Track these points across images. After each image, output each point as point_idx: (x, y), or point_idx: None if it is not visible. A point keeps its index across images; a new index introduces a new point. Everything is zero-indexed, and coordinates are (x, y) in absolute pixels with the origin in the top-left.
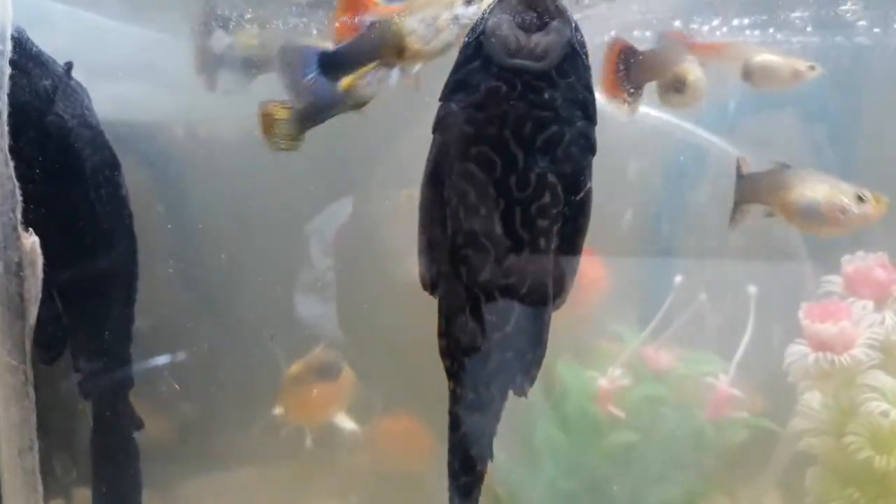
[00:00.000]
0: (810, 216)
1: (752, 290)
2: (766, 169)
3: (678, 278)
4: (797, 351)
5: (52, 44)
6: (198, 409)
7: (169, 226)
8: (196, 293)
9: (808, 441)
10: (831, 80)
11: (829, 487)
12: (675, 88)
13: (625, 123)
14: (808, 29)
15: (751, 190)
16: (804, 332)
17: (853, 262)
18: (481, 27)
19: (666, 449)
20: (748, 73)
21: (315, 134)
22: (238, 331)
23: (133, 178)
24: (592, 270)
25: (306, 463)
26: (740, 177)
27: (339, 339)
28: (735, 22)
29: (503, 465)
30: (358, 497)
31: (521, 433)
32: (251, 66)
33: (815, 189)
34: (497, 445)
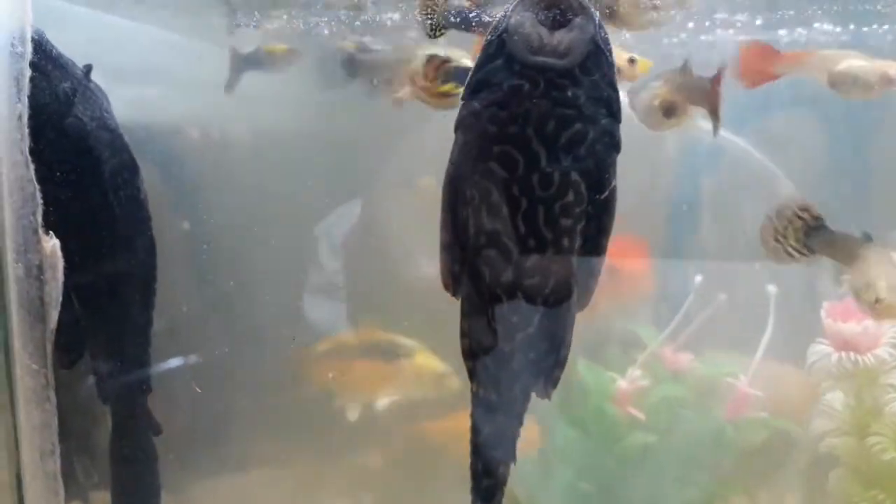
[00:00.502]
0: None
1: (771, 289)
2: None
3: (699, 278)
4: (819, 350)
5: (71, 46)
6: (211, 412)
7: (184, 226)
8: (209, 295)
9: (830, 442)
10: None
11: (853, 489)
12: None
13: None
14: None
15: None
16: (826, 332)
17: None
18: (504, 25)
19: (684, 450)
20: (833, 83)
21: (326, 134)
22: (252, 333)
23: (149, 180)
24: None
25: (316, 464)
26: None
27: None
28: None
29: (521, 465)
30: (370, 496)
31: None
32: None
33: None
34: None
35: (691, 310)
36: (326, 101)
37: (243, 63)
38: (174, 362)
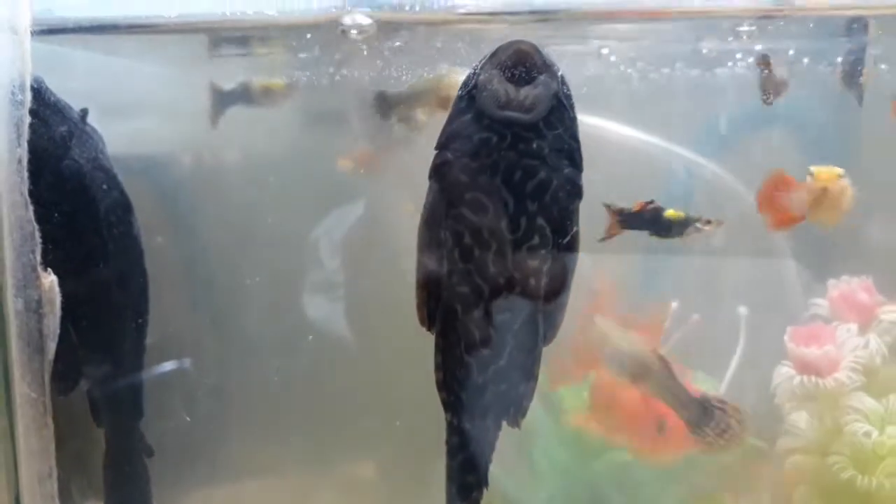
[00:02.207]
0: None
1: (742, 311)
2: None
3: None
4: (784, 373)
5: (69, 86)
6: (205, 421)
7: (181, 248)
8: (206, 311)
9: (794, 460)
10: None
11: None
12: None
13: (621, 148)
14: None
15: None
16: (789, 355)
17: (838, 287)
18: (473, 81)
19: (659, 466)
20: None
21: (316, 156)
22: (248, 346)
23: (148, 205)
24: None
25: (311, 474)
26: None
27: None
28: None
29: (503, 480)
30: None
31: (521, 450)
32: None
33: None
34: (498, 461)
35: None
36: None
37: (225, 99)
38: (169, 372)
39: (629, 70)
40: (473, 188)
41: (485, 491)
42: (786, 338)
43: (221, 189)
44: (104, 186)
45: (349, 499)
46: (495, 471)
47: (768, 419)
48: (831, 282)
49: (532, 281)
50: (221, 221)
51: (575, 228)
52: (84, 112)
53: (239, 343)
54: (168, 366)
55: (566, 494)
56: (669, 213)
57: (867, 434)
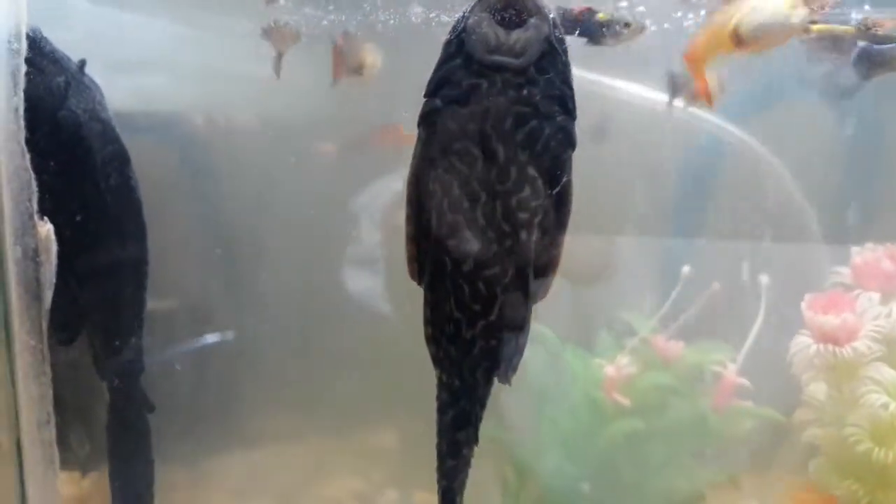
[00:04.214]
0: None
1: (764, 279)
2: None
3: (686, 268)
4: (801, 342)
5: (73, 39)
6: (225, 387)
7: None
8: (223, 276)
9: (812, 432)
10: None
11: (830, 479)
12: None
13: (644, 112)
14: None
15: None
16: (807, 323)
17: (862, 254)
18: (462, 25)
19: (671, 437)
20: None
21: (331, 122)
22: (264, 312)
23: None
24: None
25: (330, 441)
26: None
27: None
28: None
29: (513, 449)
30: (381, 475)
31: (531, 417)
32: None
33: None
34: (508, 428)
35: (680, 299)
36: None
37: None
38: (189, 338)
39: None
40: (462, 137)
41: (475, 448)
42: (803, 305)
43: (236, 150)
44: (101, 137)
45: (368, 467)
46: (506, 437)
47: (786, 390)
48: (855, 249)
49: (523, 234)
50: (234, 183)
51: (566, 179)
52: (82, 63)
53: (259, 308)
54: (190, 333)
55: (576, 462)
56: (600, 15)
57: (885, 406)
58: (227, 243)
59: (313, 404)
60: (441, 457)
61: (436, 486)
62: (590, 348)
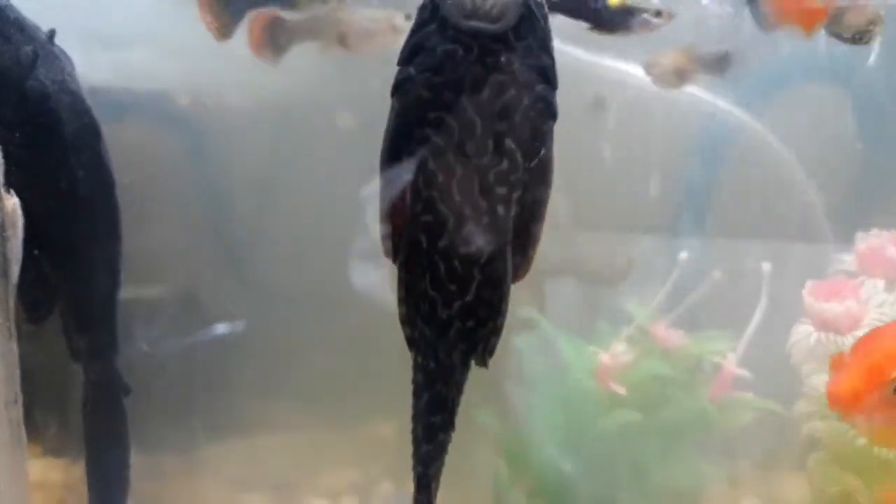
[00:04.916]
0: None
1: (766, 267)
2: None
3: (683, 255)
4: (801, 331)
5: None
6: (222, 377)
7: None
8: (220, 264)
9: (813, 425)
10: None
11: (829, 472)
12: None
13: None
14: None
15: None
16: (808, 311)
17: (867, 240)
18: None
19: (669, 427)
20: None
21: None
22: (263, 302)
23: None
24: None
25: (327, 432)
26: None
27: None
28: None
29: (504, 438)
30: (378, 466)
31: (525, 408)
32: None
33: None
34: (499, 420)
35: (676, 286)
36: None
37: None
38: (186, 327)
39: None
40: (437, 107)
41: (452, 434)
42: (804, 292)
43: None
44: (70, 109)
45: (365, 458)
46: (499, 428)
47: (787, 381)
48: (859, 235)
49: (501, 209)
50: (224, 165)
51: (543, 152)
52: (52, 33)
53: (257, 297)
54: (187, 322)
55: (568, 451)
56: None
57: None
58: (223, 230)
59: (311, 395)
60: (416, 441)
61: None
62: (589, 336)
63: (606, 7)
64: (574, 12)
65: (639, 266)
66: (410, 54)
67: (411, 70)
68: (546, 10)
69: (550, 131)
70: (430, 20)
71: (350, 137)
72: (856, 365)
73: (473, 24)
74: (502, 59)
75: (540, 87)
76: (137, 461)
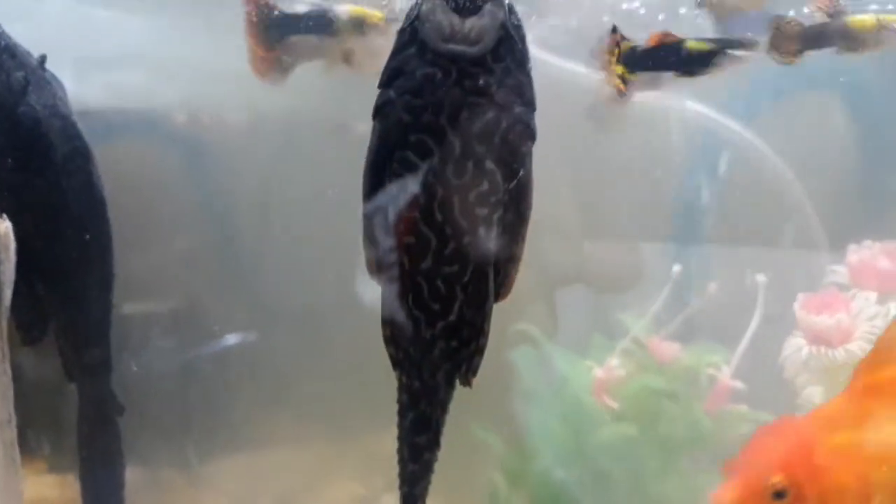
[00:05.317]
0: None
1: (760, 279)
2: None
3: (677, 267)
4: (794, 344)
5: (48, 36)
6: (224, 391)
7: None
8: (226, 277)
9: None
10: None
11: None
12: None
13: (647, 110)
14: None
15: None
16: (799, 324)
17: (858, 252)
18: (416, 12)
19: (664, 441)
20: None
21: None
22: (265, 316)
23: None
24: None
25: (330, 445)
26: None
27: None
28: None
29: (501, 453)
30: (381, 480)
31: (519, 422)
32: None
33: None
34: (495, 433)
35: (670, 299)
36: None
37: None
38: (192, 343)
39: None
40: (417, 129)
41: (437, 453)
42: (796, 305)
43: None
44: (61, 134)
45: (368, 471)
46: (496, 442)
47: (782, 394)
48: (852, 247)
49: (482, 230)
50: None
51: (523, 172)
52: (42, 58)
53: (260, 311)
54: (189, 336)
55: (565, 466)
56: (691, 44)
57: None
58: (223, 245)
59: (314, 408)
60: (402, 461)
61: (433, 493)
62: (584, 350)
63: (690, 53)
64: (664, 65)
65: (641, 276)
66: (390, 77)
67: (391, 93)
68: (524, 31)
69: (530, 152)
70: (409, 43)
71: (351, 153)
72: (739, 471)
73: (452, 47)
74: (481, 81)
75: (518, 109)
76: (139, 476)
